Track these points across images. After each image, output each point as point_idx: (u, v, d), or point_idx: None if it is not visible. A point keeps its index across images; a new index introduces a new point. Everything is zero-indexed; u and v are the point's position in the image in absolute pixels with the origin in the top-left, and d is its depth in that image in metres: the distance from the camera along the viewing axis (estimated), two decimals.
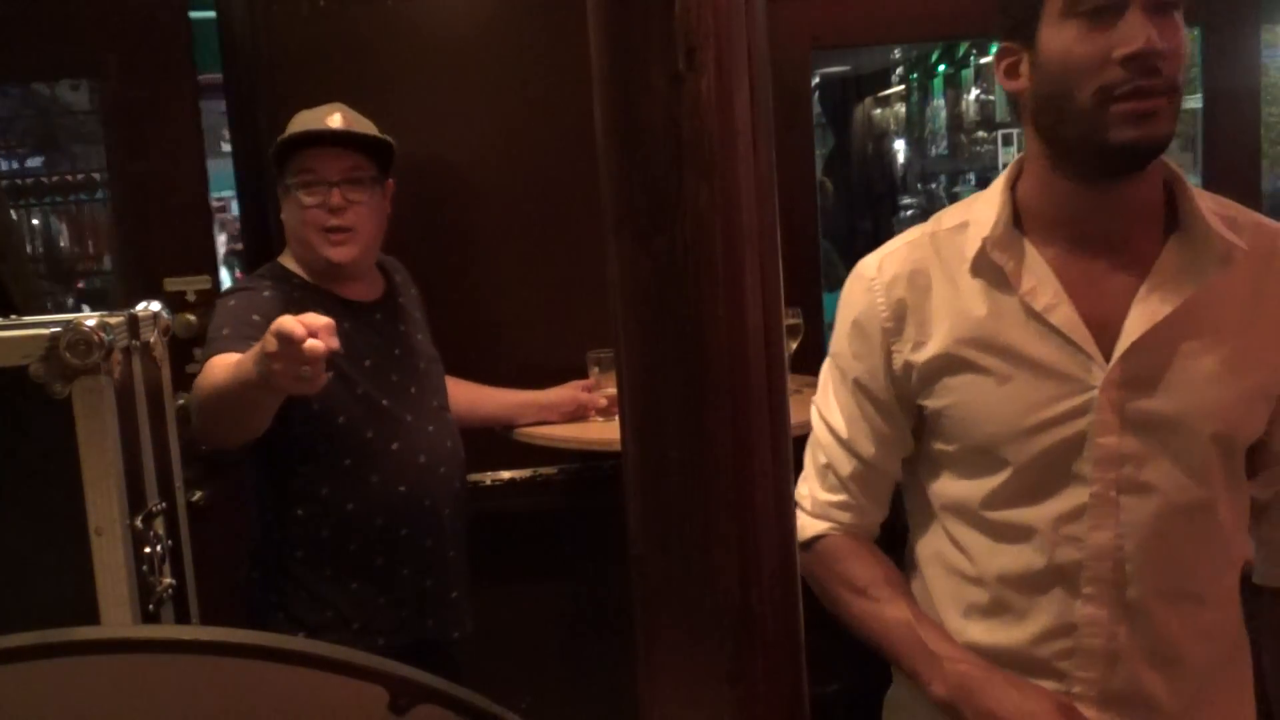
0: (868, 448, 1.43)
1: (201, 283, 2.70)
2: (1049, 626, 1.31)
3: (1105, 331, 1.25)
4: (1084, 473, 1.27)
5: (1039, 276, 1.28)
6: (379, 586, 2.08)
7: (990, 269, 1.31)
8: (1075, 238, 1.29)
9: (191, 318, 2.65)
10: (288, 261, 2.16)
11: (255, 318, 1.92)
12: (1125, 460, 1.26)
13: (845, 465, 1.45)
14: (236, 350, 1.79)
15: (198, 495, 2.44)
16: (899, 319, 1.37)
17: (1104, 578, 1.28)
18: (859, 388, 1.41)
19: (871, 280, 1.39)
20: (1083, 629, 1.29)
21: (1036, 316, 1.28)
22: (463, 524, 2.22)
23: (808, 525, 1.46)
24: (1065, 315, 1.27)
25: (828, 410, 1.46)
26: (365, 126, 2.13)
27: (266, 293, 2.01)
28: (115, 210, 2.86)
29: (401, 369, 2.14)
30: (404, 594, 2.11)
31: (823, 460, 1.47)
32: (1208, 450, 1.24)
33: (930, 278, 1.36)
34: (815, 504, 1.48)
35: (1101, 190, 1.25)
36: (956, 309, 1.34)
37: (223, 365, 1.78)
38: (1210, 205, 1.26)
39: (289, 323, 1.52)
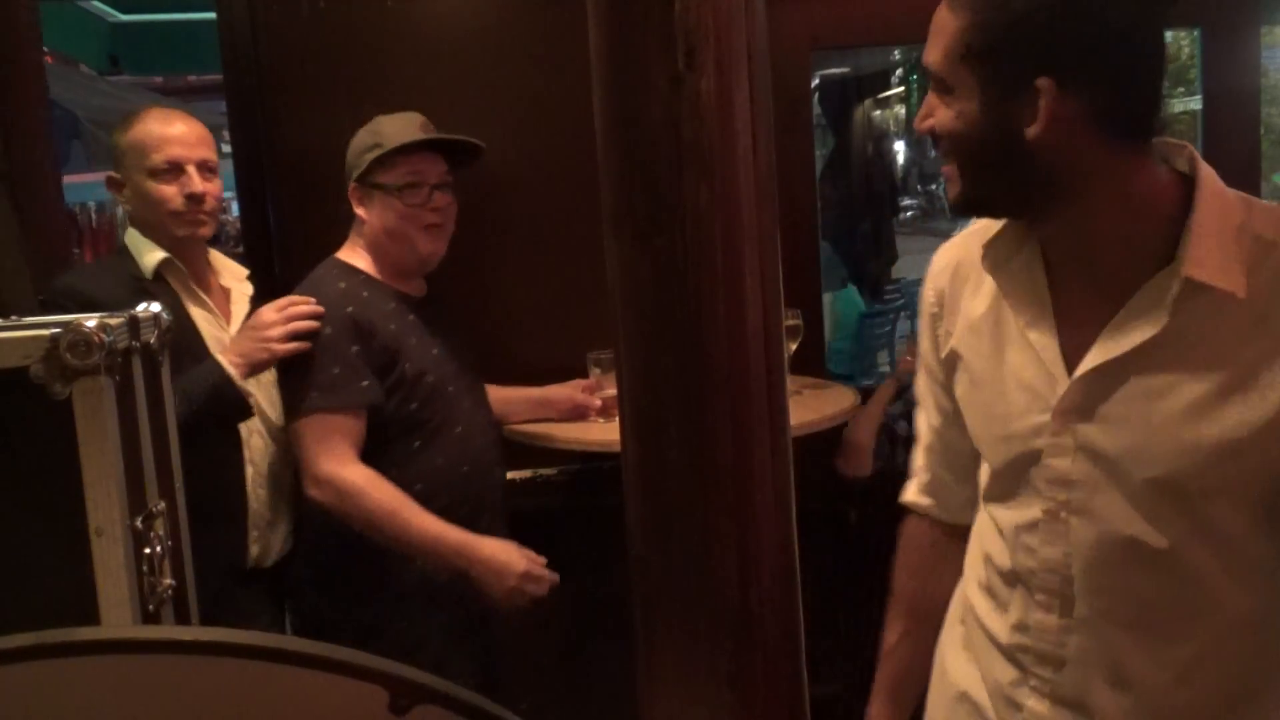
0: (935, 417, 1.51)
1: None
2: (1017, 620, 1.33)
3: (1077, 356, 1.23)
4: (1040, 489, 1.27)
5: (1030, 289, 1.27)
6: None
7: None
8: (1058, 260, 1.26)
9: None
10: (352, 258, 2.24)
11: (354, 349, 2.10)
12: (1074, 485, 1.24)
13: (924, 435, 1.55)
14: (355, 404, 2.07)
15: None
16: (940, 306, 1.43)
17: (1053, 589, 1.28)
18: (924, 362, 1.50)
19: (932, 266, 1.46)
20: (1034, 630, 1.31)
21: (1021, 328, 1.28)
22: (504, 503, 2.36)
23: (905, 489, 1.60)
24: (1041, 333, 1.25)
25: (917, 382, 1.56)
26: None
27: (350, 307, 2.12)
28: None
29: (457, 358, 2.29)
30: None
31: (917, 430, 1.58)
32: (1148, 493, 1.19)
33: (969, 271, 1.37)
34: (911, 472, 1.60)
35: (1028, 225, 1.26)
36: (971, 306, 1.36)
37: (410, 513, 2.06)
38: (1252, 229, 1.16)
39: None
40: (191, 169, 2.16)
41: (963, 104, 1.16)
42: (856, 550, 3.04)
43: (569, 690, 2.76)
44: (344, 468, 2.05)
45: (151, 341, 1.45)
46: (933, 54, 1.19)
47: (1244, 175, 3.00)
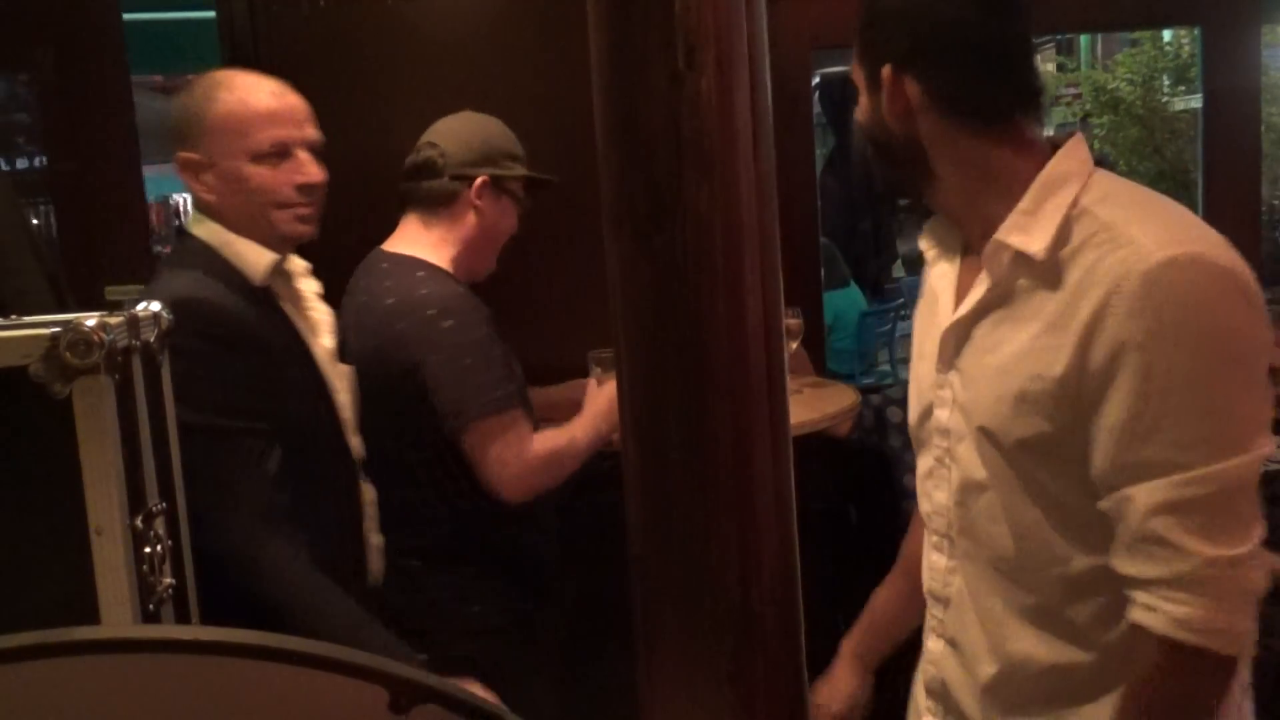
0: None
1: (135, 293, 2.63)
2: (926, 564, 1.46)
3: None
4: (933, 439, 1.39)
5: (949, 260, 1.41)
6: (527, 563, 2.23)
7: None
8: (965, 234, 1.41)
9: None
10: (434, 258, 2.13)
11: (499, 350, 2.05)
12: (950, 434, 1.35)
13: None
14: (517, 401, 2.01)
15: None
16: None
17: (941, 531, 1.40)
18: None
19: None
20: (930, 571, 1.43)
21: (936, 295, 1.42)
22: None
23: None
24: (946, 297, 1.39)
25: None
26: None
27: (483, 330, 2.04)
28: (56, 210, 2.79)
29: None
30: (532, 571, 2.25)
31: None
32: (981, 443, 1.28)
33: (929, 252, 1.50)
34: None
35: None
36: (926, 284, 1.49)
37: (564, 438, 2.06)
38: (1081, 202, 1.21)
39: None
40: (302, 152, 1.80)
41: (861, 99, 1.35)
42: (856, 550, 3.04)
43: (569, 690, 2.76)
44: (533, 445, 2.04)
45: (151, 340, 1.45)
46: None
47: (1244, 175, 3.01)
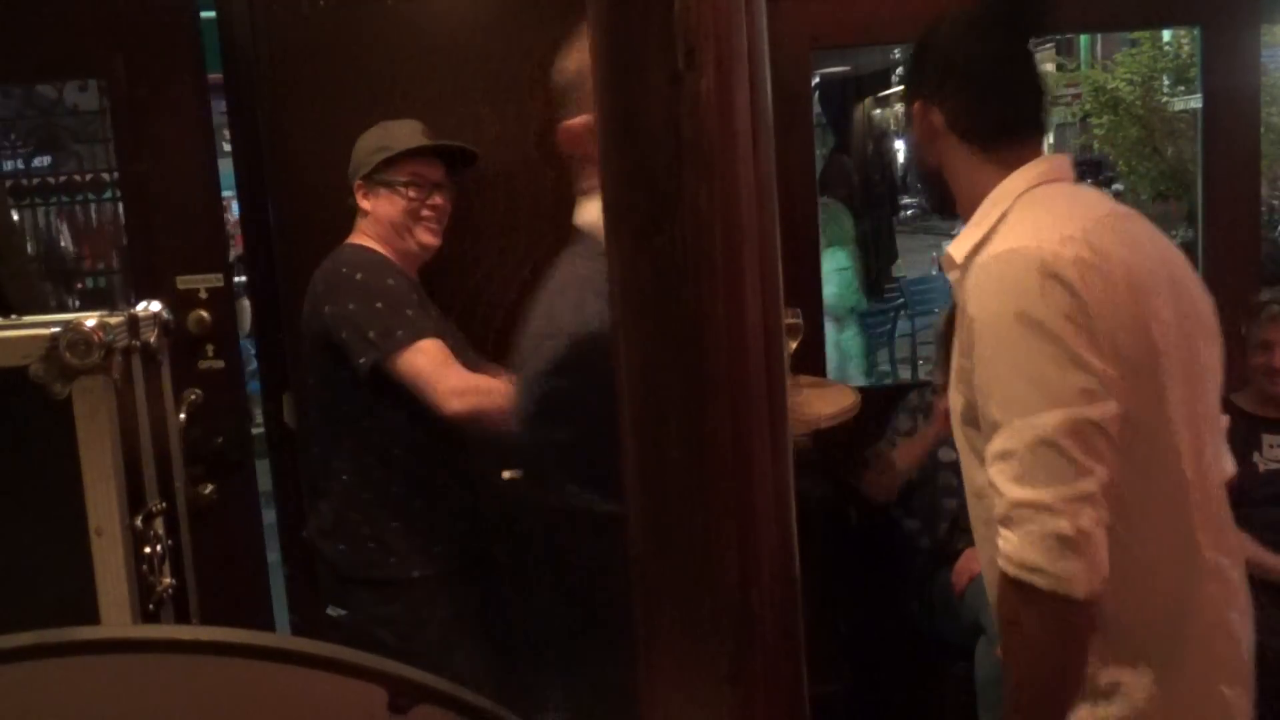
0: None
1: (214, 280, 2.72)
2: None
3: None
4: None
5: None
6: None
7: None
8: None
9: (205, 314, 2.71)
10: (371, 244, 2.33)
11: (414, 296, 2.26)
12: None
13: None
14: (433, 333, 2.16)
15: (209, 489, 2.48)
16: None
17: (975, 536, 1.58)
18: None
19: None
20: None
21: None
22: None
23: None
24: None
25: None
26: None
27: (390, 280, 2.24)
28: (126, 209, 2.90)
29: (454, 335, 2.38)
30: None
31: None
32: (953, 417, 1.50)
33: None
34: None
35: None
36: None
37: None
38: (1003, 231, 1.41)
39: None
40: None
41: (911, 132, 1.57)
42: (856, 550, 3.05)
43: (569, 690, 2.76)
44: (470, 375, 2.17)
45: (151, 341, 1.45)
46: None
47: (1244, 174, 3.01)
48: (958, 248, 1.45)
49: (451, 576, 2.31)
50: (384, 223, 2.33)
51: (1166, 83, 6.78)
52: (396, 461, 2.26)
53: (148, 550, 1.37)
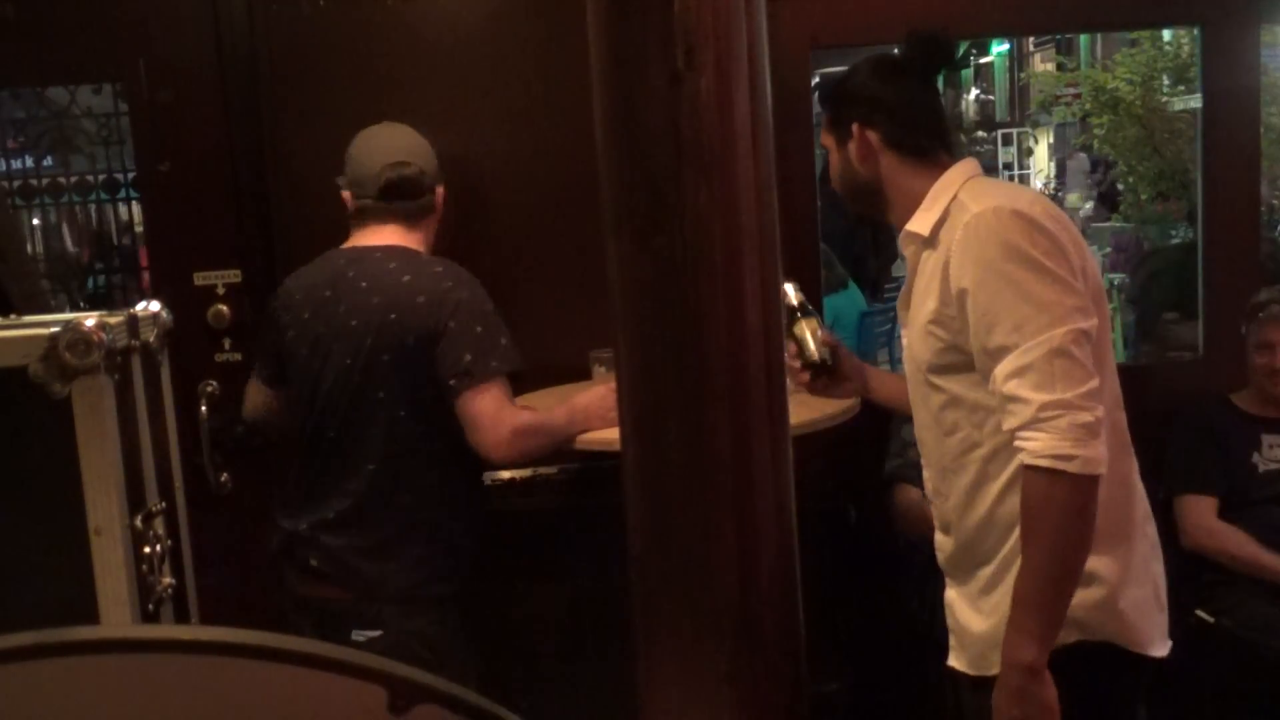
0: None
1: (231, 276, 2.74)
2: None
3: None
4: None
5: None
6: None
7: None
8: None
9: (224, 308, 2.73)
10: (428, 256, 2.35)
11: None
12: (911, 376, 1.86)
13: None
14: (518, 365, 2.18)
15: (224, 477, 2.52)
16: None
17: (925, 459, 1.89)
18: None
19: None
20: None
21: None
22: None
23: None
24: (907, 281, 1.86)
25: None
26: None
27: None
28: (145, 209, 2.94)
29: None
30: None
31: None
32: (912, 369, 1.81)
33: None
34: None
35: None
36: None
37: (545, 416, 2.21)
38: (960, 199, 1.72)
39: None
40: None
41: (832, 159, 1.90)
42: (856, 550, 3.04)
43: (569, 690, 2.76)
44: (522, 414, 2.17)
45: (151, 340, 1.45)
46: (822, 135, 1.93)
47: (1244, 174, 3.00)
48: (920, 224, 1.76)
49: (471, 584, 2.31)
50: (432, 233, 2.32)
51: (1166, 83, 6.78)
52: (456, 479, 2.25)
53: (148, 550, 1.37)
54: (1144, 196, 6.78)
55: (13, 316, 1.41)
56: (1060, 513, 1.54)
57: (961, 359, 1.68)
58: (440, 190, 2.33)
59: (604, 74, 0.82)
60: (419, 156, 2.28)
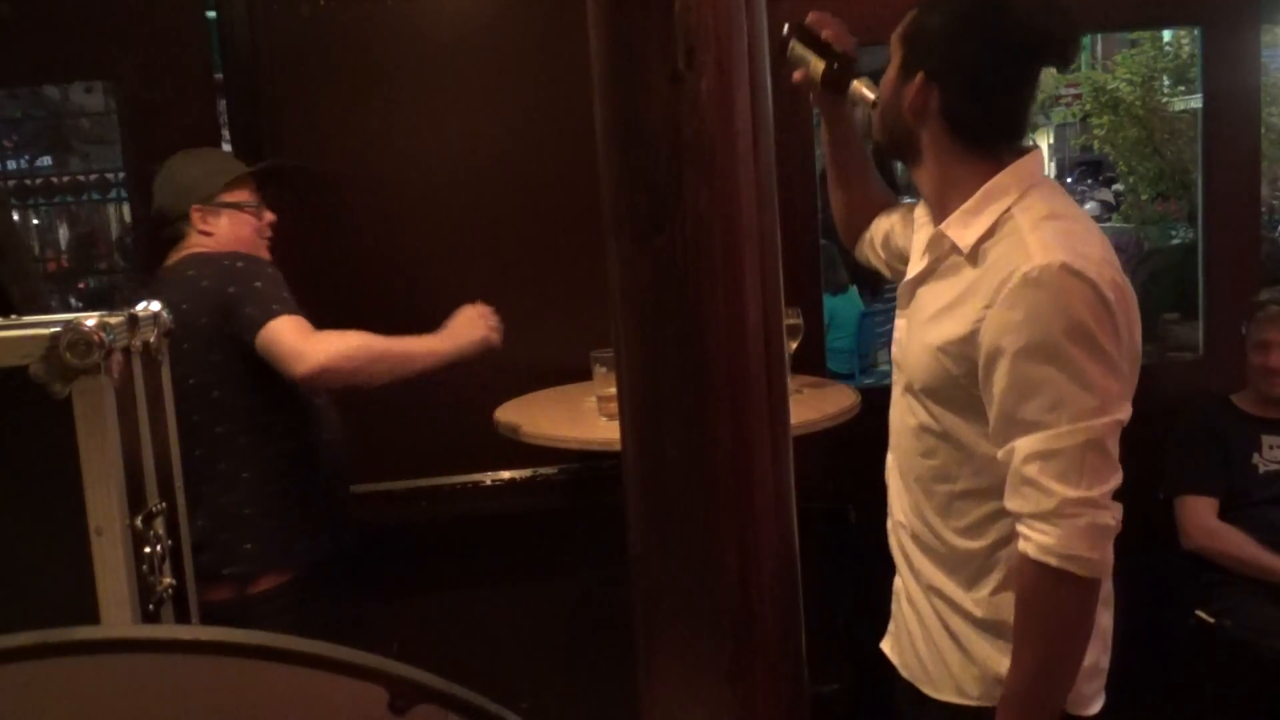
0: None
1: None
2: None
3: None
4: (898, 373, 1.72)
5: (925, 230, 1.67)
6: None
7: None
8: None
9: None
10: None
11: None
12: (898, 364, 1.68)
13: None
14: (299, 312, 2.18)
15: None
16: None
17: (892, 447, 1.73)
18: None
19: None
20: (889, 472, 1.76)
21: None
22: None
23: None
24: (914, 258, 1.69)
25: None
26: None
27: (270, 270, 2.28)
28: (134, 208, 2.92)
29: None
30: None
31: None
32: (906, 384, 1.62)
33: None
34: None
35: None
36: None
37: (393, 341, 2.22)
38: (1012, 213, 1.50)
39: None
40: None
41: (890, 71, 1.63)
42: (856, 550, 3.04)
43: (569, 690, 2.76)
44: (332, 338, 2.16)
45: (151, 340, 1.45)
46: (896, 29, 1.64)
47: (1243, 174, 3.00)
48: (961, 234, 1.54)
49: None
50: (231, 242, 2.34)
51: (1166, 83, 6.78)
52: (297, 453, 2.29)
53: (148, 550, 1.37)
54: (1144, 196, 6.79)
55: (13, 316, 1.41)
56: (1061, 615, 1.44)
57: (963, 396, 1.52)
58: (193, 210, 2.33)
59: (604, 74, 0.82)
60: (159, 191, 2.37)
